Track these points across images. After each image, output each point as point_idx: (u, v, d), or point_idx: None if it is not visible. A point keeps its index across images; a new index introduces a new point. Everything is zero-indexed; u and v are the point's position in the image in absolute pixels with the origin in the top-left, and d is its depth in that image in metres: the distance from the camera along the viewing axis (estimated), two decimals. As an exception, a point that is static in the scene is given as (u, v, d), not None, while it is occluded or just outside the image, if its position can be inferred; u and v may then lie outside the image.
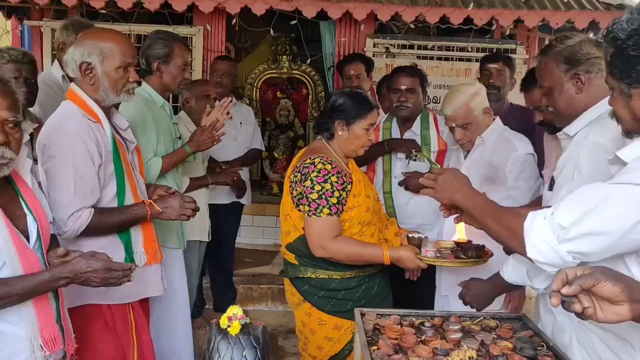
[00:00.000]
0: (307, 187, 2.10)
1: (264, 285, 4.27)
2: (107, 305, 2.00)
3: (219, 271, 3.93)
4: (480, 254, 2.09)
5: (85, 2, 3.96)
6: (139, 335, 2.08)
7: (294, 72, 5.89)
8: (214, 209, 3.33)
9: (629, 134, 1.26)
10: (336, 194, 2.10)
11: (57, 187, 1.89)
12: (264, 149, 4.12)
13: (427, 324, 1.70)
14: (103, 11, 4.00)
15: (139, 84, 2.37)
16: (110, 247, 1.95)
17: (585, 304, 1.02)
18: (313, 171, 2.10)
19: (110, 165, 1.98)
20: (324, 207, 2.08)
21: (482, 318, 1.78)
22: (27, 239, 1.51)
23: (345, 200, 2.13)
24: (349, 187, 2.14)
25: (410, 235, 2.28)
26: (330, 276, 2.19)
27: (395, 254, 2.11)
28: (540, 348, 1.57)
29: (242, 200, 3.75)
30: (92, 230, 1.92)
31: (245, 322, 1.58)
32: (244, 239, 5.02)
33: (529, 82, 2.35)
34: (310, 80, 5.88)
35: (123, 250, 2.04)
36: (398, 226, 2.44)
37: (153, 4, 3.89)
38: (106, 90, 1.96)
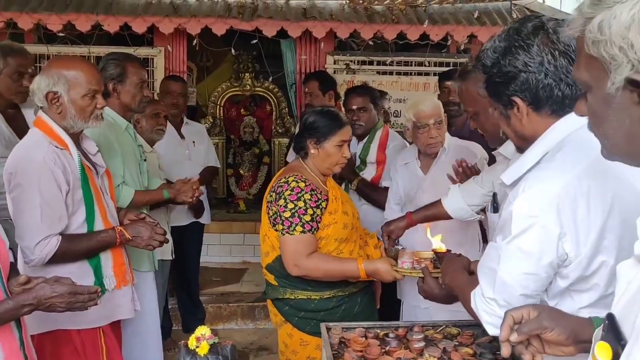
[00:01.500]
0: (281, 205, 2.10)
1: (232, 304, 4.25)
2: (77, 331, 1.99)
3: (185, 292, 3.90)
4: None
5: (42, 25, 3.92)
6: (110, 359, 2.08)
7: (256, 89, 5.92)
8: (174, 231, 3.29)
9: (518, 149, 1.33)
10: (309, 211, 2.09)
11: (24, 215, 1.90)
12: (219, 165, 4.12)
13: (391, 335, 1.75)
14: (61, 34, 3.96)
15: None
16: (80, 272, 1.95)
17: (533, 348, 1.02)
18: (286, 190, 2.10)
19: (78, 192, 1.98)
20: (297, 224, 2.07)
21: (444, 326, 1.85)
22: None
23: (320, 218, 2.12)
24: (323, 204, 2.13)
25: (394, 247, 2.27)
26: (308, 297, 2.17)
27: (370, 267, 2.07)
28: (499, 352, 1.64)
29: (202, 220, 3.74)
30: (60, 258, 1.92)
31: (214, 342, 1.59)
32: (211, 257, 4.99)
33: (468, 72, 2.20)
34: (273, 97, 5.92)
35: (93, 275, 2.04)
36: (378, 238, 2.42)
37: (112, 26, 3.90)
38: (73, 118, 1.98)
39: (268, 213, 2.18)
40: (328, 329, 1.80)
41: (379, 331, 1.80)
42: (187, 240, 3.64)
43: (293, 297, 2.18)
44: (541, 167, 1.20)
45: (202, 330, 1.62)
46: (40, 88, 1.97)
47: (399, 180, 2.72)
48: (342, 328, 1.81)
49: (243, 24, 4.00)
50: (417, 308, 2.56)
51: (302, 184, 2.11)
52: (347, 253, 2.19)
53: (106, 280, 2.06)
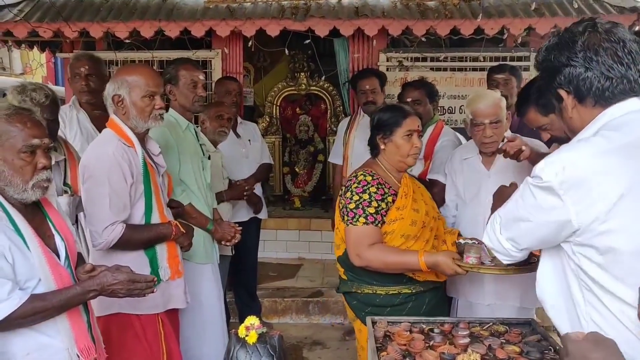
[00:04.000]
0: (347, 197, 2.18)
1: (288, 299, 4.36)
2: (137, 316, 2.19)
3: (242, 286, 4.03)
4: (524, 260, 2.00)
5: (111, 33, 4.18)
6: (167, 344, 2.24)
7: (311, 88, 6.02)
8: (233, 227, 3.45)
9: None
10: (374, 204, 2.13)
11: (95, 202, 2.11)
12: (272, 162, 4.23)
13: (436, 330, 1.76)
14: (127, 40, 4.20)
15: (167, 110, 2.54)
16: (137, 262, 2.12)
17: None
18: (354, 183, 2.18)
19: (140, 186, 2.18)
20: (360, 216, 2.12)
21: (491, 324, 1.83)
22: (58, 257, 1.66)
23: (386, 212, 2.14)
24: (389, 198, 2.16)
25: (458, 241, 2.22)
26: (374, 291, 2.19)
27: (431, 259, 2.04)
28: (547, 352, 1.61)
29: (260, 215, 3.86)
30: (122, 244, 2.12)
31: (262, 332, 1.67)
32: (268, 253, 5.14)
33: (522, 106, 2.28)
34: (328, 95, 6.00)
35: (148, 265, 2.22)
36: (459, 235, 2.36)
37: (173, 31, 4.09)
38: (135, 118, 2.18)
39: (339, 207, 2.25)
40: (374, 322, 1.83)
41: (424, 326, 1.81)
42: (246, 236, 3.75)
43: (359, 292, 2.22)
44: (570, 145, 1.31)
45: (252, 320, 1.69)
46: (109, 92, 2.20)
47: (457, 176, 2.66)
48: (388, 322, 1.84)
49: (296, 25, 4.07)
50: (478, 305, 2.50)
51: (369, 178, 2.17)
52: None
53: (161, 271, 2.24)
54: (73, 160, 2.62)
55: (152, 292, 1.79)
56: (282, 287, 4.56)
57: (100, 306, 2.06)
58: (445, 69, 4.47)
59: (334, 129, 5.74)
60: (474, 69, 4.44)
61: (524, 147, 2.21)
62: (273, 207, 5.76)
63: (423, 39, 4.21)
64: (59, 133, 2.75)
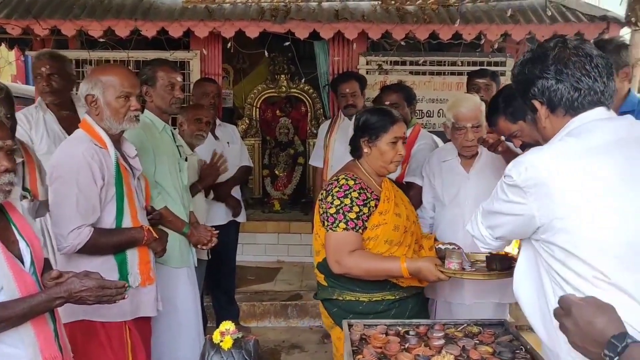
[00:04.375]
0: (328, 202, 2.12)
1: (266, 302, 4.33)
2: (102, 323, 2.11)
3: (219, 290, 3.99)
4: (505, 265, 2.02)
5: (84, 31, 4.10)
6: (134, 354, 2.16)
7: (292, 90, 6.00)
8: (211, 230, 3.42)
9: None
10: (355, 209, 2.08)
11: (62, 204, 2.04)
12: (252, 164, 4.20)
13: (411, 332, 1.76)
14: (102, 40, 4.14)
15: (142, 111, 2.50)
16: (105, 267, 2.06)
17: None
18: (335, 187, 2.13)
19: (112, 189, 2.11)
20: (340, 221, 2.07)
21: (465, 325, 1.85)
22: (22, 263, 1.59)
23: (367, 217, 2.09)
24: (372, 203, 2.11)
25: (437, 246, 2.22)
26: (357, 298, 2.14)
27: (413, 266, 2.02)
28: (518, 351, 1.63)
29: (238, 219, 3.84)
30: (89, 249, 2.05)
31: (238, 337, 1.65)
32: (246, 256, 5.10)
33: (492, 116, 2.30)
34: (308, 98, 5.99)
35: (117, 270, 2.15)
36: (435, 240, 2.36)
37: (150, 31, 4.03)
38: (109, 119, 2.12)
39: (319, 211, 2.19)
40: (350, 326, 1.83)
41: (400, 329, 1.82)
42: (225, 239, 3.72)
43: (341, 299, 2.16)
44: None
45: (227, 325, 1.67)
46: (82, 92, 2.14)
47: (435, 178, 2.68)
48: (364, 325, 1.83)
49: (276, 27, 4.06)
50: (457, 305, 2.52)
51: (351, 182, 2.12)
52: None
53: (131, 277, 2.17)
54: (32, 163, 2.46)
55: (123, 298, 1.73)
56: (261, 290, 4.53)
57: (64, 313, 1.95)
58: (424, 73, 4.51)
59: (314, 131, 5.74)
60: (452, 73, 4.50)
61: (502, 138, 2.29)
62: (252, 210, 5.73)
63: (402, 43, 4.24)
64: (23, 135, 2.69)
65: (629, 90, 2.44)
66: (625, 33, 4.35)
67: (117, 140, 2.20)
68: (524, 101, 1.47)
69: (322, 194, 2.19)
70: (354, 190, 2.10)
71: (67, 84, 3.07)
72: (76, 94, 2.95)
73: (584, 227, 1.28)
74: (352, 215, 2.07)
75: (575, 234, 1.29)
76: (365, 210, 2.09)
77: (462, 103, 2.50)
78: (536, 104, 1.42)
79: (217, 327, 3.87)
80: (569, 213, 1.29)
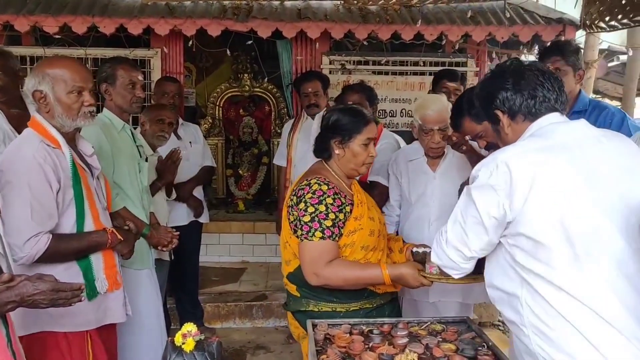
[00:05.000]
0: (301, 209, 1.97)
1: (231, 303, 4.28)
2: (64, 334, 1.98)
3: (183, 291, 3.93)
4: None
5: (39, 27, 3.96)
6: None
7: (255, 89, 5.96)
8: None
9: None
10: (331, 216, 1.94)
11: (14, 212, 1.86)
12: (215, 164, 4.15)
13: (375, 331, 1.77)
14: (57, 36, 4.00)
15: (99, 108, 2.40)
16: (68, 274, 1.94)
17: None
18: (308, 192, 1.98)
19: (69, 191, 1.97)
20: (316, 230, 1.93)
21: (429, 323, 1.87)
22: None
23: (343, 223, 1.98)
24: (347, 208, 2.00)
25: (414, 250, 2.12)
26: (334, 309, 2.01)
27: (395, 272, 1.93)
28: (481, 348, 1.67)
29: (201, 219, 3.78)
30: (49, 257, 1.90)
31: (200, 339, 1.63)
32: (210, 257, 5.04)
33: (457, 119, 2.33)
34: (272, 97, 5.96)
35: (82, 277, 2.01)
36: (403, 242, 2.28)
37: (108, 27, 3.93)
38: (61, 116, 1.96)
39: (289, 219, 2.04)
40: (314, 326, 1.83)
41: (364, 327, 1.82)
42: (187, 240, 3.67)
43: (317, 310, 2.02)
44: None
45: (189, 327, 1.65)
46: (28, 88, 1.97)
47: (402, 177, 2.70)
48: (328, 324, 1.83)
49: (238, 25, 4.03)
50: (422, 303, 2.54)
51: (324, 187, 1.98)
52: (375, 262, 2.05)
53: (98, 283, 2.05)
54: None
55: (80, 300, 1.66)
56: (225, 291, 4.48)
57: (22, 324, 1.85)
58: (386, 73, 4.55)
59: (279, 131, 5.71)
60: (415, 73, 4.55)
61: (467, 137, 2.36)
62: (216, 210, 5.66)
63: (365, 42, 4.27)
64: None
65: (580, 91, 2.55)
66: (580, 36, 4.53)
67: (71, 138, 2.04)
68: (487, 114, 1.63)
69: (291, 199, 2.04)
70: (328, 196, 1.97)
71: (12, 80, 2.92)
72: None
73: (549, 215, 1.39)
74: (328, 223, 1.94)
75: (541, 224, 1.40)
76: (341, 216, 1.97)
77: (430, 105, 2.50)
78: (499, 114, 1.58)
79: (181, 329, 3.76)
80: (536, 203, 1.40)
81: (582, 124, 1.55)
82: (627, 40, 5.27)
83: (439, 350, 1.64)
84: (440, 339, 1.75)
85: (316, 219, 1.94)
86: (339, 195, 2.00)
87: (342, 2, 4.32)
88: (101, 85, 2.60)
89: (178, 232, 2.80)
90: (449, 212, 2.45)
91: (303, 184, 2.03)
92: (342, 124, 2.05)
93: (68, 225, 1.98)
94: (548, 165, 1.42)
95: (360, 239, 2.00)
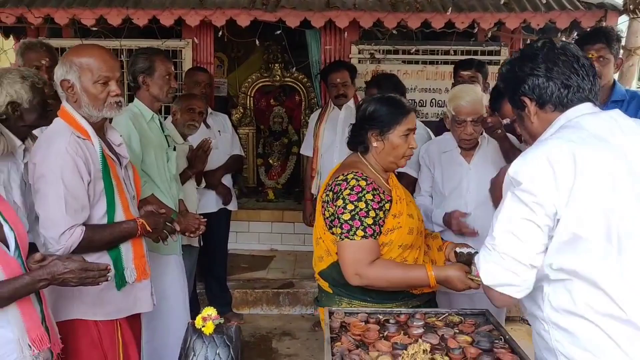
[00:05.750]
0: (339, 206, 1.89)
1: (258, 290, 4.37)
2: (94, 322, 2.03)
3: (212, 277, 4.02)
4: None
5: (77, 20, 4.09)
6: (126, 352, 2.11)
7: (286, 79, 5.99)
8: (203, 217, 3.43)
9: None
10: (372, 213, 1.88)
11: (48, 205, 1.90)
12: (243, 154, 4.22)
13: (391, 320, 1.78)
14: (94, 28, 4.12)
15: (130, 98, 2.44)
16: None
17: None
18: (345, 189, 1.90)
19: (100, 183, 1.98)
20: (357, 228, 1.86)
21: (446, 314, 1.86)
22: (7, 247, 1.61)
23: (383, 221, 1.91)
24: (387, 205, 1.93)
25: (458, 250, 2.05)
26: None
27: (441, 274, 1.86)
28: (497, 341, 1.65)
29: (229, 207, 3.86)
30: (83, 248, 1.92)
31: (219, 322, 1.67)
32: (240, 244, 5.14)
33: (496, 101, 2.34)
34: (302, 87, 5.98)
35: (112, 267, 2.01)
36: (442, 239, 2.21)
37: (141, 19, 4.02)
38: (87, 106, 1.96)
39: (324, 214, 1.98)
40: (331, 313, 1.85)
41: (380, 317, 1.83)
42: (215, 227, 3.75)
43: (350, 307, 1.96)
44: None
45: (209, 311, 1.69)
46: (57, 77, 1.97)
47: (435, 169, 2.67)
48: (345, 313, 1.85)
49: (267, 15, 4.04)
50: (456, 295, 2.38)
51: (362, 183, 1.90)
52: (412, 261, 2.00)
53: (127, 272, 2.07)
54: None
55: (106, 280, 1.74)
56: (254, 278, 4.57)
57: (55, 311, 1.91)
58: (417, 62, 4.48)
59: (309, 120, 5.74)
60: (446, 63, 4.46)
61: (505, 121, 2.32)
62: (246, 198, 5.75)
63: (394, 31, 4.22)
64: None
65: (614, 80, 2.46)
66: (622, 21, 4.33)
67: (99, 128, 2.04)
68: (513, 98, 1.51)
69: (327, 194, 1.97)
70: (368, 192, 1.89)
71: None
72: None
73: (592, 209, 1.31)
74: (370, 221, 1.87)
75: (584, 216, 1.31)
76: (381, 214, 1.90)
77: (463, 96, 2.46)
78: (526, 100, 1.46)
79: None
80: (580, 196, 1.31)
81: (616, 113, 1.46)
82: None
83: (454, 341, 1.63)
84: (457, 331, 1.74)
85: (357, 217, 1.87)
86: (378, 191, 1.92)
87: (372, -10, 4.28)
88: (138, 76, 2.68)
89: (206, 219, 2.86)
90: (485, 203, 2.48)
91: (339, 179, 1.94)
92: (380, 115, 1.96)
93: (98, 215, 2.01)
94: (589, 157, 1.32)
95: (399, 237, 1.93)
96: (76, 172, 1.91)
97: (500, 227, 1.39)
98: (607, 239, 1.31)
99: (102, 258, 2.01)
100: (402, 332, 1.71)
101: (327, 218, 1.96)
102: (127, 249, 2.09)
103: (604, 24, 4.09)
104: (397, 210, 1.94)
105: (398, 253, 1.94)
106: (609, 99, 2.42)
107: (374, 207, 1.89)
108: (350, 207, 1.88)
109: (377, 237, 1.89)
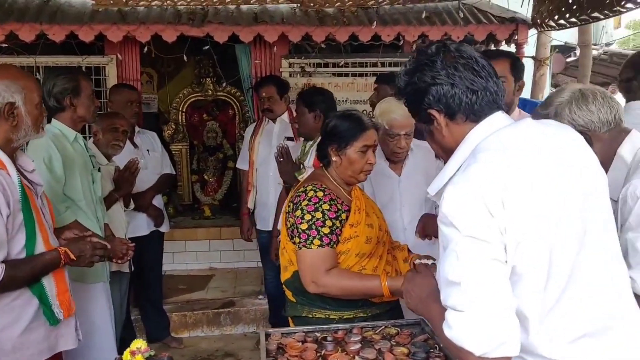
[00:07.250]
0: (298, 217, 1.96)
1: (198, 311, 4.24)
2: None
3: (147, 302, 3.87)
4: None
5: (-16, 36, 3.84)
6: None
7: (218, 93, 5.90)
8: (134, 241, 3.28)
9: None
10: (328, 223, 1.94)
11: None
12: (174, 172, 4.10)
13: (328, 338, 1.77)
14: (4, 45, 3.88)
15: (49, 120, 2.35)
16: (24, 302, 1.86)
17: None
18: (304, 200, 1.97)
19: (19, 215, 1.83)
20: (314, 237, 1.92)
21: (383, 327, 1.87)
22: None
23: (340, 230, 1.96)
24: (343, 215, 1.99)
25: (417, 261, 2.03)
26: (327, 316, 2.01)
27: (395, 284, 1.87)
28: (432, 350, 1.68)
29: (162, 229, 3.74)
30: (4, 287, 1.78)
31: (150, 355, 1.59)
32: (177, 265, 4.99)
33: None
34: (235, 101, 5.91)
35: (39, 305, 1.91)
36: (408, 251, 2.22)
37: (58, 35, 3.82)
38: (28, 129, 1.88)
39: (286, 224, 2.04)
40: (267, 335, 1.81)
41: (318, 335, 1.82)
42: (148, 250, 3.62)
43: (311, 316, 2.03)
44: (457, 175, 1.27)
45: (138, 344, 1.61)
46: None
47: (365, 184, 2.59)
48: (282, 333, 1.82)
49: (194, 30, 3.97)
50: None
51: (320, 193, 1.98)
52: (371, 270, 2.02)
53: (55, 309, 1.93)
54: None
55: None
56: (192, 299, 4.43)
57: None
58: (347, 75, 4.55)
59: (243, 134, 5.67)
60: (374, 74, 4.55)
61: None
62: (182, 217, 5.59)
63: (323, 45, 4.27)
64: None
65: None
66: (532, 34, 4.63)
67: (10, 155, 1.88)
68: (418, 113, 1.36)
69: (289, 206, 2.03)
70: (324, 202, 1.96)
71: None
72: None
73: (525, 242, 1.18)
74: (326, 230, 1.94)
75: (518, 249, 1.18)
76: (338, 223, 1.97)
77: (396, 109, 2.44)
78: (433, 113, 1.30)
79: (148, 340, 3.74)
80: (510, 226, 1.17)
81: (528, 123, 1.34)
82: (578, 37, 5.42)
83: (391, 355, 1.64)
84: (394, 343, 1.76)
85: (313, 226, 1.94)
86: (336, 202, 1.99)
87: (299, 5, 4.31)
88: (64, 97, 2.56)
89: (134, 244, 2.74)
90: (419, 214, 2.50)
91: (300, 190, 2.02)
92: (338, 131, 2.04)
93: (17, 250, 1.85)
94: (516, 179, 1.19)
95: (355, 246, 1.97)
96: None
97: (463, 287, 1.14)
98: (543, 271, 1.19)
99: (24, 294, 1.86)
100: (339, 349, 1.70)
101: (289, 228, 2.02)
102: (50, 284, 1.94)
103: (516, 36, 4.36)
104: (355, 219, 2.00)
105: (355, 261, 1.99)
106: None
107: (331, 216, 1.96)
108: (307, 217, 1.95)
109: (334, 246, 1.96)
